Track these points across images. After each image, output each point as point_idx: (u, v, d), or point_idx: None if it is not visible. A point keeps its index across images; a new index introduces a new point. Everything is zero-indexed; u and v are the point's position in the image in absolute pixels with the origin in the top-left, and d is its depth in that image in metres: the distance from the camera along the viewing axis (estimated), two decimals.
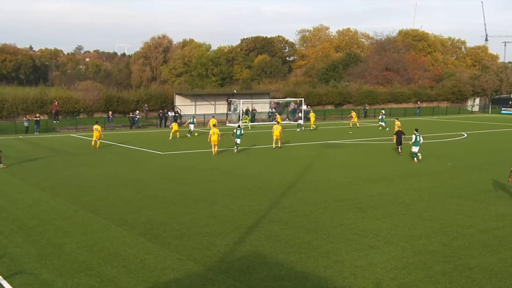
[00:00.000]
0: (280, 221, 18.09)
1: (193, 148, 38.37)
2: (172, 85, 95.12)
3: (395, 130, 38.71)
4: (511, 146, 41.34)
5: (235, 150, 35.97)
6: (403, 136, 35.04)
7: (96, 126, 38.93)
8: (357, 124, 56.72)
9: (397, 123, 42.09)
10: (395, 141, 35.75)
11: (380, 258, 14.41)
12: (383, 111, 60.60)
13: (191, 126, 48.53)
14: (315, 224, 17.77)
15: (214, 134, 34.46)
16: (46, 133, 50.21)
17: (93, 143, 38.65)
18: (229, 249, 15.09)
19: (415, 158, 32.16)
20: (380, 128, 53.65)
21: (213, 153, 34.63)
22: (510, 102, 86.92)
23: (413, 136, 32.42)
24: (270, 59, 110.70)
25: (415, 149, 32.22)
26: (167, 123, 57.40)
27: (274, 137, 38.30)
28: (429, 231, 17.03)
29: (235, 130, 36.23)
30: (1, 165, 29.20)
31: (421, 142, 32.21)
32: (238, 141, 36.04)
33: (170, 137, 44.39)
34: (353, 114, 58.96)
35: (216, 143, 34.57)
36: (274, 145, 38.34)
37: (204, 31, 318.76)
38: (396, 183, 25.24)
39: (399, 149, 35.10)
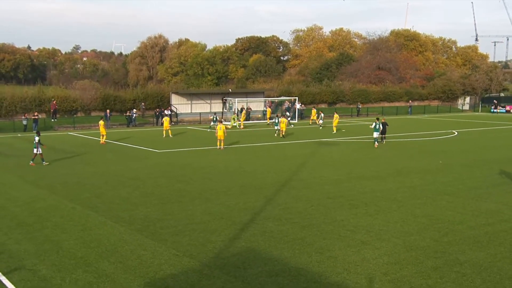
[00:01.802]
0: (274, 217, 18.25)
1: (189, 146, 38.59)
2: (169, 84, 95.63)
3: (335, 123, 48.80)
4: (500, 144, 41.68)
5: (275, 134, 45.65)
6: (386, 127, 39.66)
7: (100, 122, 40.34)
8: (317, 121, 56.50)
9: (336, 115, 50.48)
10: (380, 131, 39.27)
11: (373, 254, 14.55)
12: (314, 109, 61.24)
13: (213, 122, 50.42)
14: (308, 220, 17.94)
15: (220, 130, 36.37)
16: (44, 131, 50.16)
17: (103, 139, 39.75)
18: (224, 245, 15.23)
19: (376, 142, 38.01)
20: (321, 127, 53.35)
21: (218, 147, 36.45)
22: (495, 101, 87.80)
23: (373, 123, 38.17)
24: (265, 58, 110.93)
25: (375, 134, 37.98)
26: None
27: (282, 129, 44.59)
28: (420, 227, 17.20)
29: (274, 120, 47.96)
30: (44, 162, 29.80)
31: (380, 129, 37.93)
32: (277, 128, 46.08)
33: (164, 135, 44.70)
34: (313, 111, 59.56)
35: (222, 138, 36.39)
36: (282, 135, 44.56)
37: (199, 31, 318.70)
38: (388, 180, 25.41)
39: (383, 139, 39.70)
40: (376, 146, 37.86)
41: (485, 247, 15.28)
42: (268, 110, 62.42)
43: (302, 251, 14.82)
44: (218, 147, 36.62)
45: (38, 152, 29.65)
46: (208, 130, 49.50)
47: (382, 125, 39.22)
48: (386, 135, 40.53)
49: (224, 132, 36.49)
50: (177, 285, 12.47)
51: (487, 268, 13.62)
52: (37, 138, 29.77)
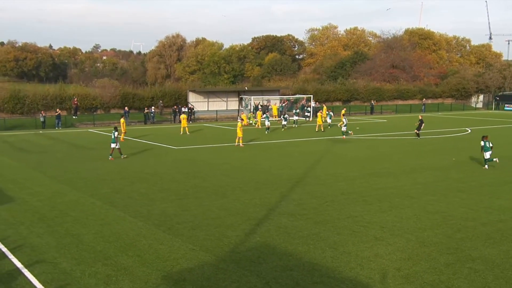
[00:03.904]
0: (289, 213, 18.38)
1: (205, 143, 38.92)
2: (186, 82, 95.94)
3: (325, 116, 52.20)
4: None
5: (331, 127, 49.58)
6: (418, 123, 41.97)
7: (121, 120, 40.89)
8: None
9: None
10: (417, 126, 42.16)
11: (386, 250, 14.60)
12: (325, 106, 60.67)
13: (284, 122, 49.86)
14: (322, 216, 18.06)
15: (237, 127, 37.11)
16: (65, 128, 51.10)
17: (122, 136, 40.01)
18: (240, 240, 15.37)
19: (348, 134, 42.53)
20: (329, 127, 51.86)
21: (236, 144, 36.97)
22: (497, 98, 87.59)
23: (343, 120, 43.22)
24: (280, 57, 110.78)
25: (344, 128, 42.43)
26: None
27: (319, 123, 47.64)
28: (433, 223, 17.22)
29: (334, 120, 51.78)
30: (123, 155, 31.39)
31: (346, 123, 42.89)
32: (330, 121, 51.71)
33: (181, 132, 45.10)
34: (325, 108, 58.95)
35: (241, 136, 36.77)
36: (322, 129, 47.52)
37: (216, 31, 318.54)
38: (401, 177, 25.44)
39: (418, 134, 41.81)
40: (343, 138, 41.56)
41: (498, 243, 15.26)
42: (274, 107, 62.72)
43: (316, 246, 14.91)
44: (236, 144, 36.92)
45: (116, 147, 30.96)
46: (283, 129, 48.82)
47: (419, 121, 41.86)
48: (418, 132, 42.14)
49: (241, 129, 36.84)
50: (193, 278, 12.61)
51: (500, 264, 13.60)
52: (115, 133, 30.90)
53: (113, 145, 30.94)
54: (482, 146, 28.37)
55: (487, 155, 28.13)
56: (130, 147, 36.64)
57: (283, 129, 48.34)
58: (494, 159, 28.23)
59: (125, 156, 31.29)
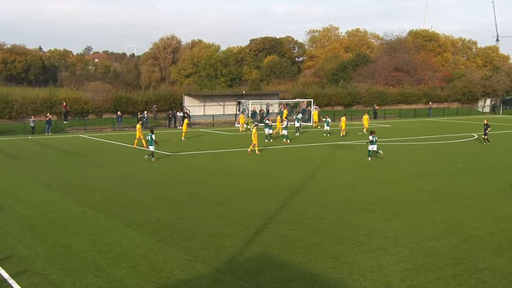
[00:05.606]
0: (289, 222, 18.09)
1: (202, 149, 38.57)
2: (181, 86, 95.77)
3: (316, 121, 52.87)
4: None
5: (266, 140, 42.59)
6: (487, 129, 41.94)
7: (138, 126, 40.22)
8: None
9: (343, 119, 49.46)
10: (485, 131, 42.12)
11: (390, 260, 14.35)
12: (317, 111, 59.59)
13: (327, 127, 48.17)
14: (324, 225, 17.77)
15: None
16: (55, 133, 50.69)
17: (136, 141, 39.59)
18: (237, 250, 15.12)
19: (284, 139, 42.09)
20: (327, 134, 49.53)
21: (249, 150, 36.08)
22: (493, 102, 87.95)
23: (285, 123, 43.05)
24: (279, 59, 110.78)
25: (284, 132, 42.45)
26: (176, 124, 57.77)
27: (343, 127, 47.12)
28: (439, 232, 16.96)
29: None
30: (153, 159, 32.11)
31: (287, 125, 42.81)
32: (328, 128, 47.57)
33: (183, 138, 44.60)
34: (315, 113, 57.91)
35: (256, 142, 35.80)
36: (344, 134, 47.22)
37: (212, 32, 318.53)
38: (406, 184, 25.19)
39: (486, 139, 41.83)
40: (285, 142, 41.73)
41: (506, 253, 15.01)
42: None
43: (317, 256, 14.66)
44: (249, 150, 36.00)
45: (152, 149, 31.83)
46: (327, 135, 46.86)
47: (485, 126, 41.93)
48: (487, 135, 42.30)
49: (254, 135, 35.67)
50: None
51: (509, 275, 13.36)
52: (153, 136, 31.62)
53: (151, 148, 31.77)
54: (370, 141, 32.33)
55: (374, 147, 32.30)
56: (123, 154, 36.47)
57: (266, 139, 42.92)
58: (379, 151, 32.51)
59: (155, 159, 31.97)
